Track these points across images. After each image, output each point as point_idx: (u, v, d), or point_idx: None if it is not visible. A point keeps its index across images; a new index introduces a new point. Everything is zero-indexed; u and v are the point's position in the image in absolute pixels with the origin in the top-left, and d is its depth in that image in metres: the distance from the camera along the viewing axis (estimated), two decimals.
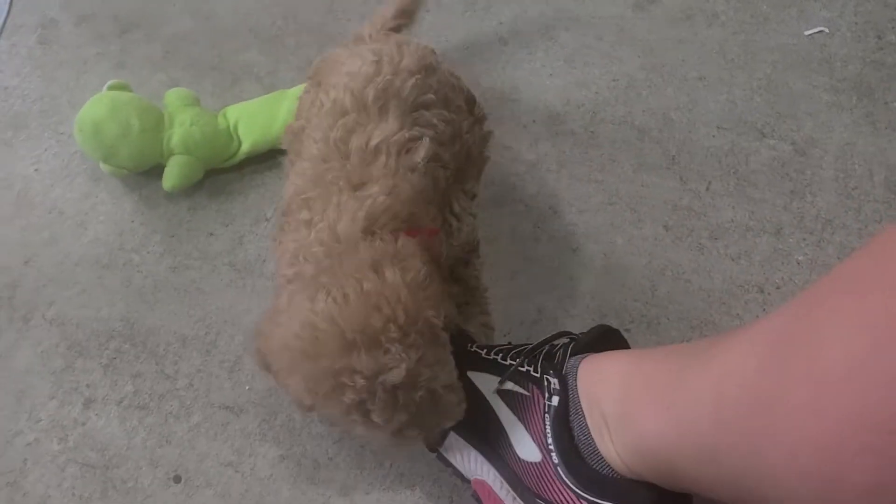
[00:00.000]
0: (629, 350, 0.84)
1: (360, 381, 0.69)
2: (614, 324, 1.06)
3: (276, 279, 0.92)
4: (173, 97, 1.20)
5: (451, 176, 0.95)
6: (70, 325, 1.10)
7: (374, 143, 0.85)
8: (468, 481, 0.87)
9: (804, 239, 1.13)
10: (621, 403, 0.72)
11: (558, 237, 1.15)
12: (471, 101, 1.05)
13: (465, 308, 1.00)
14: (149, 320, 1.10)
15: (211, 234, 1.17)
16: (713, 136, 1.23)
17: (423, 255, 0.79)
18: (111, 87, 1.17)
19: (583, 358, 0.81)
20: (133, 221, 1.19)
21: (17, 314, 1.11)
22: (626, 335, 1.05)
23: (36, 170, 1.25)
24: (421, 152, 0.87)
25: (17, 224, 1.20)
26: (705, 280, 1.10)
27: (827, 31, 1.33)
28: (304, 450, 0.99)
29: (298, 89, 1.21)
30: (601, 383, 0.76)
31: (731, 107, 1.26)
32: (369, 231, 0.79)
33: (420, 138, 0.88)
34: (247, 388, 1.04)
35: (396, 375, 0.70)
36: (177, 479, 0.98)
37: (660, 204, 1.17)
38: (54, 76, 1.36)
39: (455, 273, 0.99)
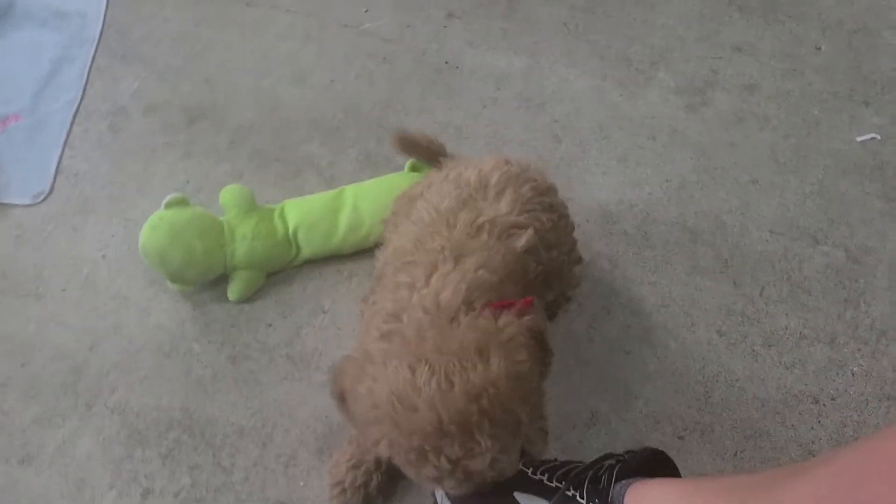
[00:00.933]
0: (680, 479, 0.82)
1: (445, 465, 0.73)
2: (668, 431, 1.07)
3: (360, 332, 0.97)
4: (230, 202, 1.22)
5: (541, 275, 0.97)
6: (131, 413, 1.13)
7: (481, 219, 0.91)
8: None
9: (859, 349, 1.12)
10: None
11: (611, 338, 1.16)
12: (571, 229, 1.11)
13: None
14: (207, 410, 1.12)
15: (270, 325, 1.20)
16: (766, 241, 1.24)
17: (524, 335, 0.80)
18: (169, 204, 1.19)
19: (629, 484, 0.80)
20: (195, 310, 1.22)
21: (80, 400, 1.14)
22: (679, 443, 1.06)
23: (103, 256, 1.30)
24: (523, 239, 0.92)
25: (84, 309, 1.24)
26: (759, 388, 1.10)
27: (879, 137, 1.35)
28: None
29: (356, 189, 1.25)
30: None
31: (783, 211, 1.27)
32: (468, 302, 0.81)
33: (526, 227, 0.93)
34: (301, 483, 1.05)
35: (479, 464, 0.73)
36: None
37: (713, 308, 1.18)
38: (123, 163, 1.41)
39: None
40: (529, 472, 0.87)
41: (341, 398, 0.84)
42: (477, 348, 0.74)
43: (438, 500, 0.92)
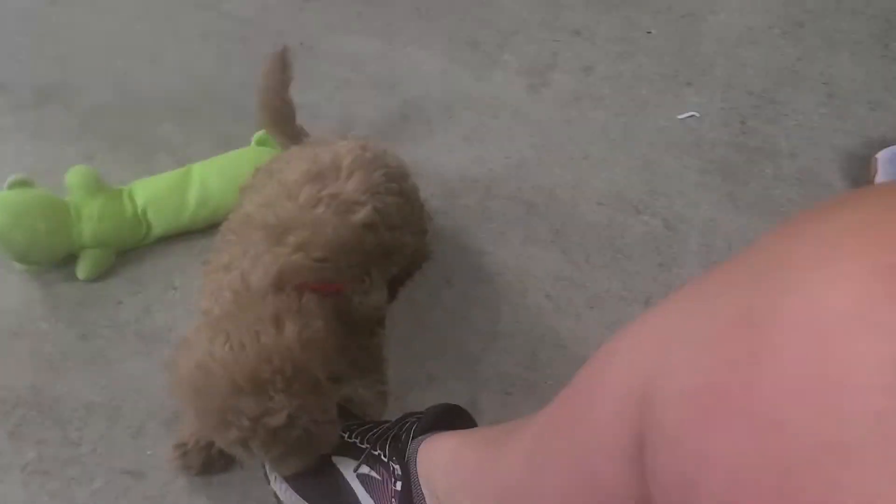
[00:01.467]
0: (458, 433, 0.88)
1: (245, 423, 0.79)
2: (497, 388, 1.16)
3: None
4: (76, 182, 1.23)
5: (379, 248, 1.04)
6: None
7: (323, 193, 0.96)
8: None
9: None
10: (447, 486, 0.80)
11: (451, 306, 1.24)
12: (424, 213, 1.19)
13: (366, 375, 1.09)
14: (56, 388, 1.15)
15: (119, 303, 1.23)
16: (594, 212, 1.35)
17: (324, 313, 0.88)
18: (12, 185, 1.19)
19: (423, 439, 0.88)
20: (43, 290, 1.24)
21: None
22: (508, 399, 1.15)
23: None
24: (361, 213, 0.97)
25: None
26: (582, 347, 1.20)
27: (698, 115, 1.47)
28: None
29: (203, 167, 1.29)
30: (434, 467, 0.83)
31: (611, 184, 1.38)
32: (279, 286, 0.87)
33: (366, 204, 0.98)
34: (149, 452, 1.09)
35: (277, 420, 0.79)
36: None
37: (543, 275, 1.28)
38: None
39: (360, 342, 1.08)
40: (346, 436, 0.94)
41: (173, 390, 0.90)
42: (272, 317, 0.80)
43: (275, 487, 0.97)
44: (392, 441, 0.89)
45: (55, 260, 1.23)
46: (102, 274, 1.25)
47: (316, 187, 0.97)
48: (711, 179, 1.39)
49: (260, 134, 1.33)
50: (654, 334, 0.44)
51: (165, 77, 1.51)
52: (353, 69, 1.53)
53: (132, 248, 1.28)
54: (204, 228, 1.29)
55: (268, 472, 0.97)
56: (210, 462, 1.04)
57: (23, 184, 1.19)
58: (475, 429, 0.95)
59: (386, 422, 0.95)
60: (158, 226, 1.26)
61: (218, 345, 0.79)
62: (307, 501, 0.92)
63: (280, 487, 0.95)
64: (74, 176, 1.23)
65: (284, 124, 1.26)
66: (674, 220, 1.34)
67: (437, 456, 0.83)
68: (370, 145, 1.08)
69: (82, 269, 1.23)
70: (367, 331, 1.08)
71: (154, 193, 1.26)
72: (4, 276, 1.25)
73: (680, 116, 1.48)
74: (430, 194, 1.36)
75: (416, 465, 0.85)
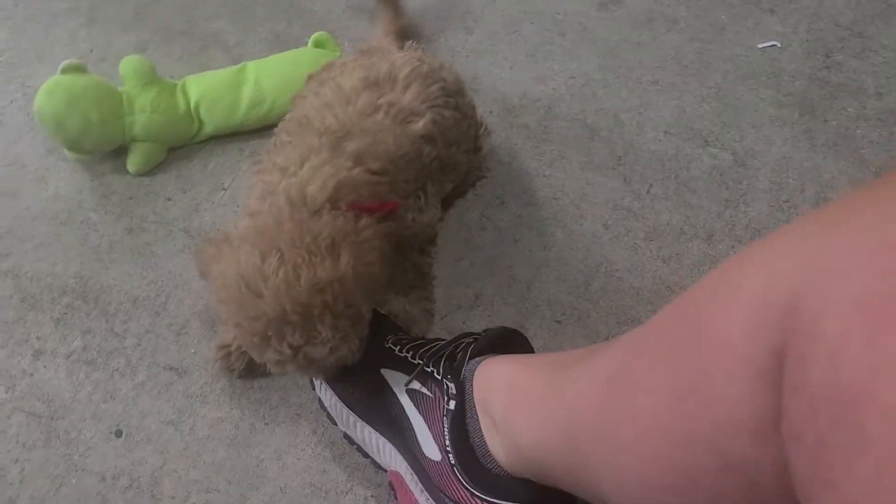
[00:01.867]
0: (518, 357, 0.87)
1: (286, 350, 0.77)
2: (547, 315, 1.13)
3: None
4: (130, 73, 1.20)
5: (436, 163, 1.00)
6: (24, 277, 1.14)
7: (381, 101, 0.91)
8: (385, 470, 0.93)
9: (733, 247, 1.19)
10: (505, 409, 0.78)
11: (502, 227, 1.20)
12: (481, 131, 1.14)
13: (413, 292, 1.06)
14: (102, 279, 1.14)
15: (169, 200, 1.21)
16: (660, 140, 1.28)
17: (379, 239, 0.84)
18: (65, 70, 1.16)
19: (480, 361, 0.85)
20: (93, 181, 1.22)
21: None
22: (557, 326, 1.12)
23: (0, 122, 1.27)
24: (420, 123, 0.93)
25: None
26: (636, 279, 1.16)
27: (779, 45, 1.38)
28: (243, 414, 1.05)
29: (258, 65, 1.24)
30: (492, 389, 0.81)
31: (679, 112, 1.31)
32: (334, 200, 0.83)
33: (424, 115, 0.94)
34: (192, 351, 1.09)
35: (319, 352, 0.78)
36: (118, 434, 1.03)
37: (602, 202, 1.22)
38: (23, 28, 1.37)
39: (411, 259, 1.06)
40: (397, 349, 0.92)
41: (203, 272, 0.88)
42: (329, 245, 0.77)
43: (320, 394, 0.96)
44: (447, 359, 0.87)
45: (106, 150, 1.21)
46: (153, 169, 1.23)
47: (374, 95, 0.93)
48: (788, 114, 1.31)
49: (318, 35, 1.28)
50: (798, 247, 0.41)
51: None
52: None
53: (183, 145, 1.25)
54: (256, 129, 1.26)
55: (313, 378, 0.96)
56: (253, 366, 1.03)
57: (77, 69, 1.16)
58: (536, 354, 0.92)
59: (440, 339, 0.93)
60: (210, 123, 1.23)
61: (270, 266, 0.76)
62: (353, 411, 0.91)
63: (325, 395, 0.94)
64: (129, 65, 1.20)
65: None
66: (744, 155, 1.27)
67: (495, 378, 0.81)
68: (426, 58, 1.02)
69: (133, 162, 1.21)
70: (417, 248, 1.05)
71: (207, 90, 1.22)
72: (56, 164, 1.24)
73: (760, 45, 1.38)
74: (487, 111, 1.31)
75: (471, 385, 0.83)
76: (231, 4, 1.41)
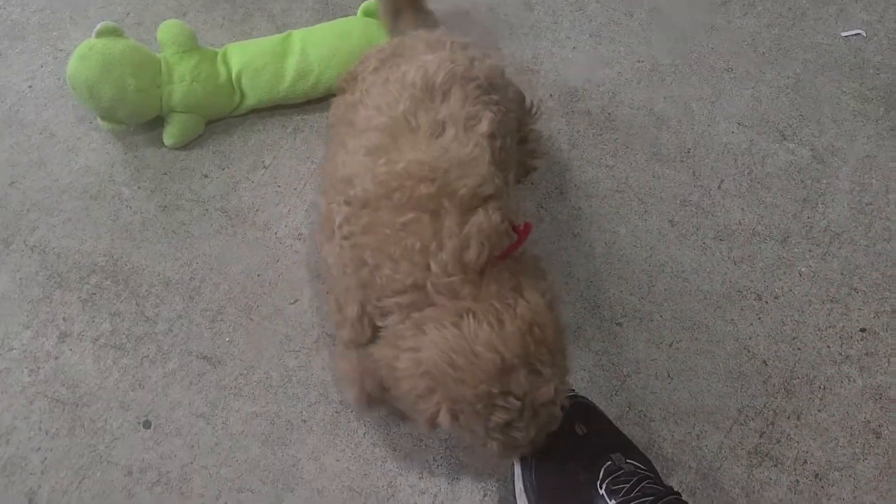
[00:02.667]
0: None
1: (515, 403, 0.72)
2: (606, 316, 1.05)
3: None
4: (169, 39, 1.12)
5: (500, 156, 0.92)
6: (52, 253, 1.07)
7: (440, 116, 0.84)
8: None
9: (810, 250, 1.10)
10: None
11: (561, 220, 1.12)
12: (528, 107, 1.06)
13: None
14: (133, 258, 1.07)
15: (206, 176, 1.14)
16: (732, 133, 1.19)
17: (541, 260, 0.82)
18: (100, 33, 1.08)
19: None
20: (126, 153, 1.15)
21: None
22: (617, 328, 1.04)
23: (30, 86, 1.20)
24: (485, 123, 0.85)
25: (6, 142, 1.15)
26: (704, 281, 1.08)
27: (864, 34, 1.28)
28: (279, 409, 0.98)
29: (305, 34, 1.16)
30: None
31: (755, 103, 1.22)
32: (492, 256, 0.77)
33: (483, 114, 0.87)
34: (227, 339, 1.02)
35: (546, 393, 0.73)
36: (146, 425, 0.96)
37: (669, 197, 1.14)
38: None
39: None
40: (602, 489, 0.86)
41: (369, 399, 0.83)
42: (513, 287, 0.74)
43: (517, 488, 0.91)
44: None
45: (141, 121, 1.13)
46: (189, 143, 1.16)
47: (430, 113, 0.85)
48: (873, 109, 1.21)
49: (367, 3, 1.19)
50: None
51: None
52: None
53: (222, 118, 1.18)
54: (300, 103, 1.18)
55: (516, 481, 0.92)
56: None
57: (113, 32, 1.08)
58: None
59: (651, 481, 0.87)
60: (252, 95, 1.15)
61: (468, 327, 0.71)
62: None
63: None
64: (168, 31, 1.12)
65: None
66: (824, 152, 1.18)
67: None
68: (457, 55, 0.93)
69: (169, 135, 1.13)
70: None
71: (250, 59, 1.14)
72: (87, 133, 1.16)
73: (843, 34, 1.28)
74: (547, 94, 1.22)
75: None
76: None
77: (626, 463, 0.87)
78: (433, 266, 0.75)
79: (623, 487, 0.84)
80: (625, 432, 0.98)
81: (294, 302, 1.05)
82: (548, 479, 0.87)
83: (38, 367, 1.00)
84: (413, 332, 0.75)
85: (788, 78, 1.24)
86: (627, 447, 0.90)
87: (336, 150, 0.91)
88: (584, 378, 1.00)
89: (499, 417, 0.73)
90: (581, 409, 0.92)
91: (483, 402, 0.72)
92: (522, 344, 0.72)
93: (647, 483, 0.85)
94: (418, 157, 0.79)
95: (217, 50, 1.16)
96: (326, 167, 0.97)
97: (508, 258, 0.78)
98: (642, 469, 0.86)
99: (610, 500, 0.84)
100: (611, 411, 0.99)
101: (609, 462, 0.87)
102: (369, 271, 0.78)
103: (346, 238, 0.80)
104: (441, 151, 0.80)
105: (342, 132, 0.93)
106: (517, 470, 0.91)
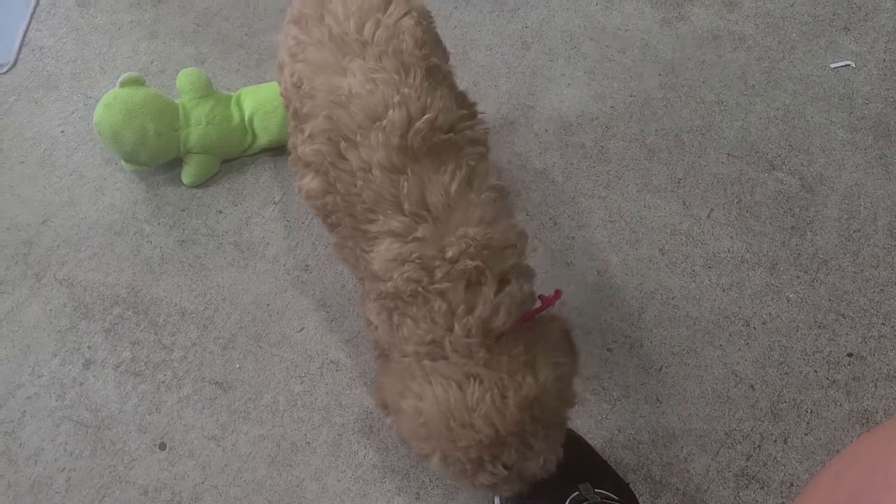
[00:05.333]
0: None
1: (501, 471, 0.75)
2: (598, 342, 1.09)
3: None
4: (187, 86, 1.21)
5: None
6: (79, 286, 1.15)
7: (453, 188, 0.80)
8: None
9: (798, 277, 1.13)
10: None
11: (555, 249, 1.17)
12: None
13: None
14: (153, 290, 1.15)
15: (220, 212, 1.21)
16: (723, 163, 1.23)
17: (562, 332, 0.81)
18: (124, 83, 1.18)
19: None
20: (147, 192, 1.23)
21: (30, 271, 1.17)
22: (607, 354, 1.08)
23: (62, 131, 1.30)
24: (492, 173, 0.83)
25: (40, 183, 1.25)
26: (693, 308, 1.12)
27: (853, 65, 1.31)
28: (285, 432, 1.04)
29: None
30: None
31: (744, 134, 1.26)
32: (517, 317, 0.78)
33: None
34: (237, 366, 1.09)
35: (533, 466, 0.76)
36: (162, 447, 1.04)
37: (659, 226, 1.18)
38: (89, 40, 1.40)
39: None
40: None
41: (385, 408, 0.85)
42: (526, 363, 0.74)
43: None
44: None
45: (162, 162, 1.22)
46: (206, 181, 1.24)
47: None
48: (861, 138, 1.24)
49: None
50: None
51: None
52: None
53: (236, 158, 1.26)
54: None
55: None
56: None
57: (135, 82, 1.18)
58: None
59: None
60: (264, 136, 1.23)
61: (474, 395, 0.73)
62: None
63: None
64: (186, 78, 1.21)
65: None
66: (812, 181, 1.21)
67: None
68: None
69: (187, 174, 1.22)
70: None
71: (262, 102, 1.22)
72: (112, 174, 1.25)
73: (833, 65, 1.32)
74: (543, 129, 1.28)
75: None
76: None
77: (594, 493, 0.90)
78: (457, 328, 0.76)
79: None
80: (614, 455, 1.02)
81: (300, 330, 1.11)
82: None
83: (65, 393, 1.08)
84: (422, 379, 0.77)
85: (778, 109, 1.28)
86: (601, 475, 0.93)
87: None
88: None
89: (485, 479, 0.76)
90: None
91: (472, 464, 0.75)
92: (519, 422, 0.72)
93: None
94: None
95: (231, 94, 1.24)
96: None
97: (531, 321, 0.79)
98: (612, 499, 0.89)
99: None
100: (600, 435, 1.03)
101: (576, 493, 0.89)
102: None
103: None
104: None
105: None
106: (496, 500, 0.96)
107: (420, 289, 0.75)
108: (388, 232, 0.76)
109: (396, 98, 0.77)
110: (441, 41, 0.93)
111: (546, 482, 0.86)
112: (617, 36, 1.37)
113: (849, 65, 1.31)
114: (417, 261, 0.74)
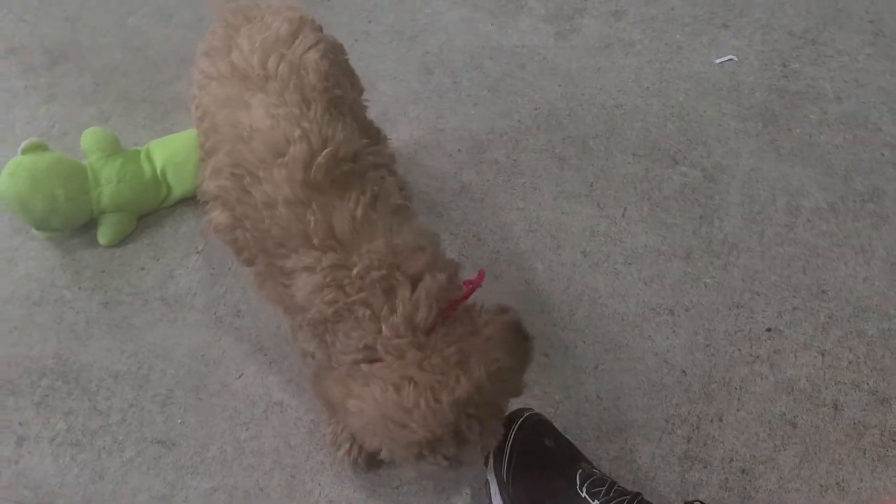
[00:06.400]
0: None
1: (443, 462, 0.78)
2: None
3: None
4: (92, 145, 1.19)
5: None
6: (1, 363, 1.11)
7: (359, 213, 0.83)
8: None
9: (712, 262, 1.19)
10: None
11: (481, 264, 1.19)
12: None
13: None
14: (81, 356, 1.12)
15: (142, 269, 1.20)
16: (629, 163, 1.29)
17: (502, 330, 0.82)
18: (26, 150, 1.15)
19: None
20: (64, 257, 1.21)
21: None
22: (545, 361, 1.11)
23: None
24: (395, 193, 0.86)
25: None
26: (620, 304, 1.16)
27: (736, 59, 1.40)
28: (236, 482, 1.02)
29: None
30: None
31: (645, 134, 1.32)
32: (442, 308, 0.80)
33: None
34: (179, 421, 1.07)
35: (471, 454, 0.79)
36: None
37: (578, 230, 1.23)
38: None
39: None
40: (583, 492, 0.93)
41: (330, 407, 0.85)
42: (458, 361, 0.76)
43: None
44: None
45: (75, 226, 1.19)
46: (124, 239, 1.22)
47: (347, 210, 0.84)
48: (752, 126, 1.33)
49: None
50: None
51: (179, 34, 1.45)
52: (371, 20, 1.46)
53: (152, 212, 1.24)
54: None
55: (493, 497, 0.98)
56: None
57: (38, 147, 1.15)
58: None
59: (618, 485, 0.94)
60: (179, 187, 1.22)
61: (409, 398, 0.75)
62: None
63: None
64: (91, 138, 1.19)
65: None
66: (713, 171, 1.28)
67: None
68: None
69: (103, 235, 1.19)
70: None
71: (172, 153, 1.22)
72: (25, 243, 1.22)
73: (717, 61, 1.40)
74: (456, 149, 1.31)
75: None
76: (191, 67, 1.40)
77: (595, 469, 0.95)
78: (384, 329, 0.78)
79: (601, 490, 0.92)
80: None
81: (240, 376, 1.10)
82: (525, 491, 0.94)
83: (0, 474, 1.03)
84: (361, 381, 0.78)
85: (673, 107, 1.35)
86: (588, 459, 0.99)
87: None
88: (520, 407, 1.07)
89: (425, 468, 0.79)
90: (546, 426, 0.99)
91: (414, 458, 0.78)
92: (455, 420, 0.75)
93: (618, 486, 0.92)
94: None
95: (140, 148, 1.23)
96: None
97: (462, 310, 0.81)
98: (609, 478, 0.94)
99: (592, 501, 0.91)
100: None
101: (581, 469, 0.94)
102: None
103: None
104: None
105: None
106: (493, 487, 0.97)
107: (342, 305, 0.77)
108: (305, 268, 0.78)
109: (297, 133, 0.79)
110: (353, 72, 0.96)
111: (552, 459, 0.93)
112: (515, 52, 1.42)
113: (732, 59, 1.40)
114: (332, 284, 0.77)
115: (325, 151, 0.78)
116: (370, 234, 0.79)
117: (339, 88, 0.88)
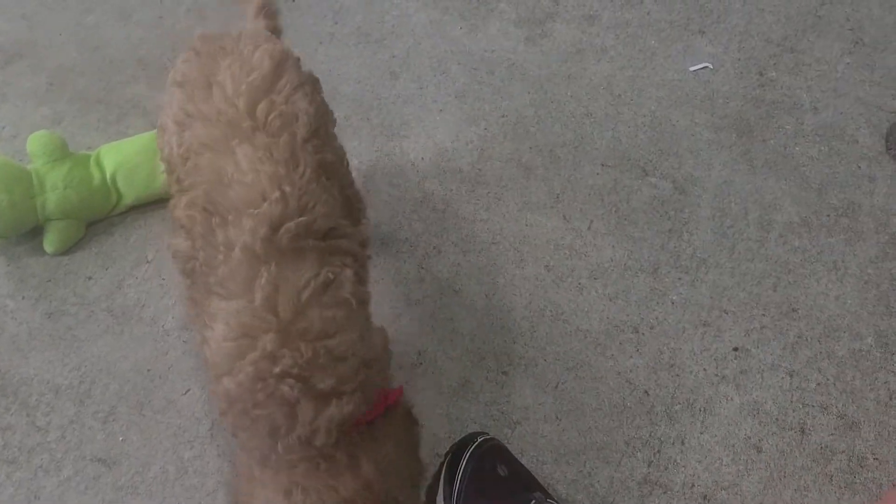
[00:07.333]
0: None
1: None
2: (493, 367, 1.08)
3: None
4: (38, 150, 1.15)
5: None
6: None
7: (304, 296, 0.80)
8: None
9: (679, 278, 1.15)
10: None
11: (441, 277, 1.16)
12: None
13: None
14: (21, 370, 1.08)
15: (89, 278, 1.15)
16: (597, 174, 1.25)
17: (395, 426, 0.82)
18: None
19: None
20: (8, 265, 1.16)
21: None
22: (503, 378, 1.08)
23: None
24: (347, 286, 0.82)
25: None
26: (583, 320, 1.12)
27: (711, 66, 1.36)
28: (177, 502, 0.99)
29: None
30: None
31: (615, 143, 1.28)
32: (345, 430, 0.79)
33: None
34: (121, 438, 1.03)
35: None
36: None
37: (543, 243, 1.19)
38: None
39: None
40: None
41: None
42: (346, 463, 0.75)
43: None
44: None
45: (19, 233, 1.15)
46: (71, 247, 1.18)
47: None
48: (725, 137, 1.28)
49: None
50: None
51: (137, 34, 1.41)
52: (337, 21, 1.42)
53: (102, 219, 1.20)
54: None
55: None
56: None
57: None
58: None
59: None
60: (129, 194, 1.18)
61: (295, 499, 0.74)
62: None
63: None
64: (37, 142, 1.15)
65: None
66: (684, 183, 1.24)
67: None
68: None
69: (49, 243, 1.15)
70: None
71: (124, 159, 1.17)
72: None
73: (692, 68, 1.36)
74: (419, 157, 1.27)
75: None
76: (149, 68, 1.36)
77: (550, 499, 0.92)
78: (280, 447, 0.76)
79: None
80: None
81: (186, 392, 1.07)
82: None
83: None
84: (252, 487, 0.78)
85: (645, 116, 1.31)
86: (543, 487, 0.96)
87: None
88: (475, 430, 1.03)
89: None
90: (500, 451, 0.96)
91: None
92: None
93: None
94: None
95: (90, 153, 1.19)
96: None
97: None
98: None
99: None
100: None
101: (534, 500, 0.91)
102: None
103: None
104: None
105: None
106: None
107: (250, 406, 0.75)
108: (231, 313, 0.75)
109: (276, 194, 0.76)
110: (329, 110, 0.93)
111: (504, 488, 0.91)
112: (484, 58, 1.38)
113: (707, 66, 1.36)
114: (250, 367, 0.73)
115: (298, 220, 0.76)
116: (308, 324, 0.75)
117: (330, 150, 0.85)
